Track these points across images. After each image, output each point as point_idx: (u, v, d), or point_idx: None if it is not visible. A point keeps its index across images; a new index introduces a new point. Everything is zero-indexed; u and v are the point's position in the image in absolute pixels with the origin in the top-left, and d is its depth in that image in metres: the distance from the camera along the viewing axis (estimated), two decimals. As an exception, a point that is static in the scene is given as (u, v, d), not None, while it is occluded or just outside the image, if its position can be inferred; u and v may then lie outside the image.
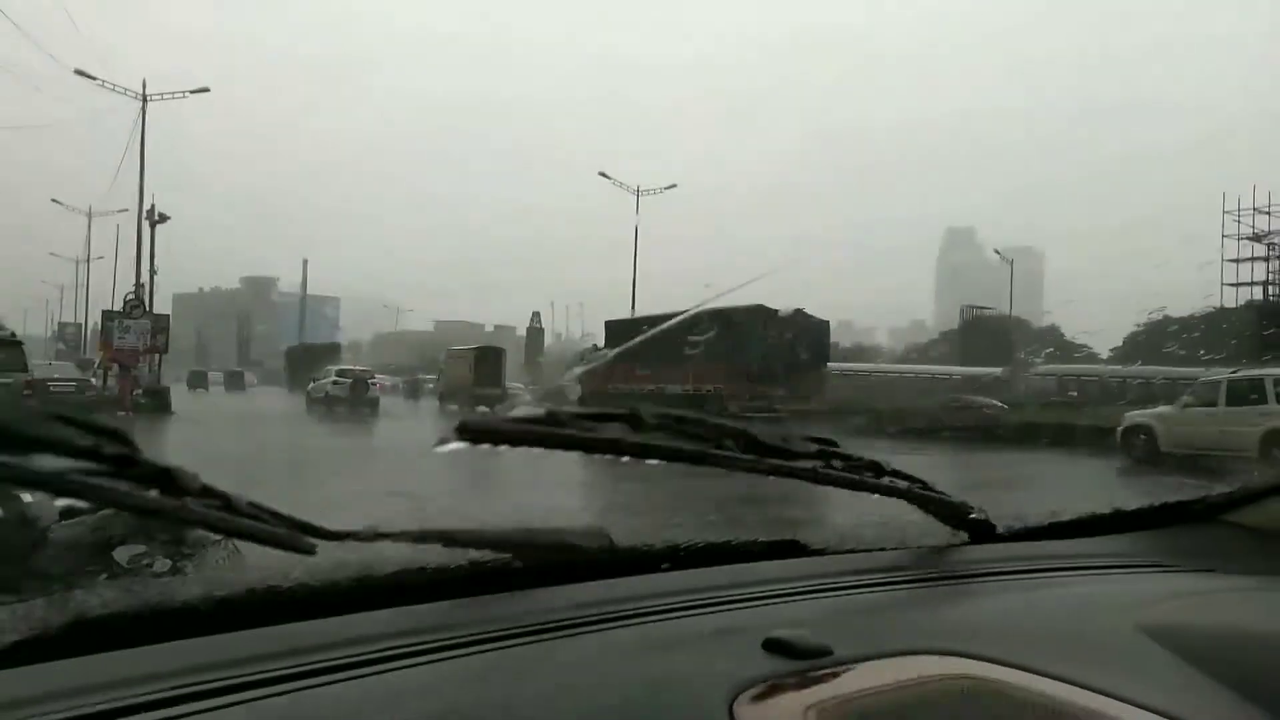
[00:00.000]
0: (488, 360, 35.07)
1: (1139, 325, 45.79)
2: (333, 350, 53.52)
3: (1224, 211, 38.11)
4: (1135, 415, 18.45)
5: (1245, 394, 16.02)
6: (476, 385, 33.31)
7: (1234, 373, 17.47)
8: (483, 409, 29.14)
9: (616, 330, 27.98)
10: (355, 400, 32.21)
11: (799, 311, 24.05)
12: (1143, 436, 17.32)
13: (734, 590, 1.07)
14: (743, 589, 1.08)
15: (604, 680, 0.85)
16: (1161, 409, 18.14)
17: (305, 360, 45.39)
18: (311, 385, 36.32)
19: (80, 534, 4.11)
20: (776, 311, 23.25)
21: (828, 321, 27.04)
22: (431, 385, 41.65)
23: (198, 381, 48.93)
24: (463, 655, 0.86)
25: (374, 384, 34.61)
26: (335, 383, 34.24)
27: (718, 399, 21.89)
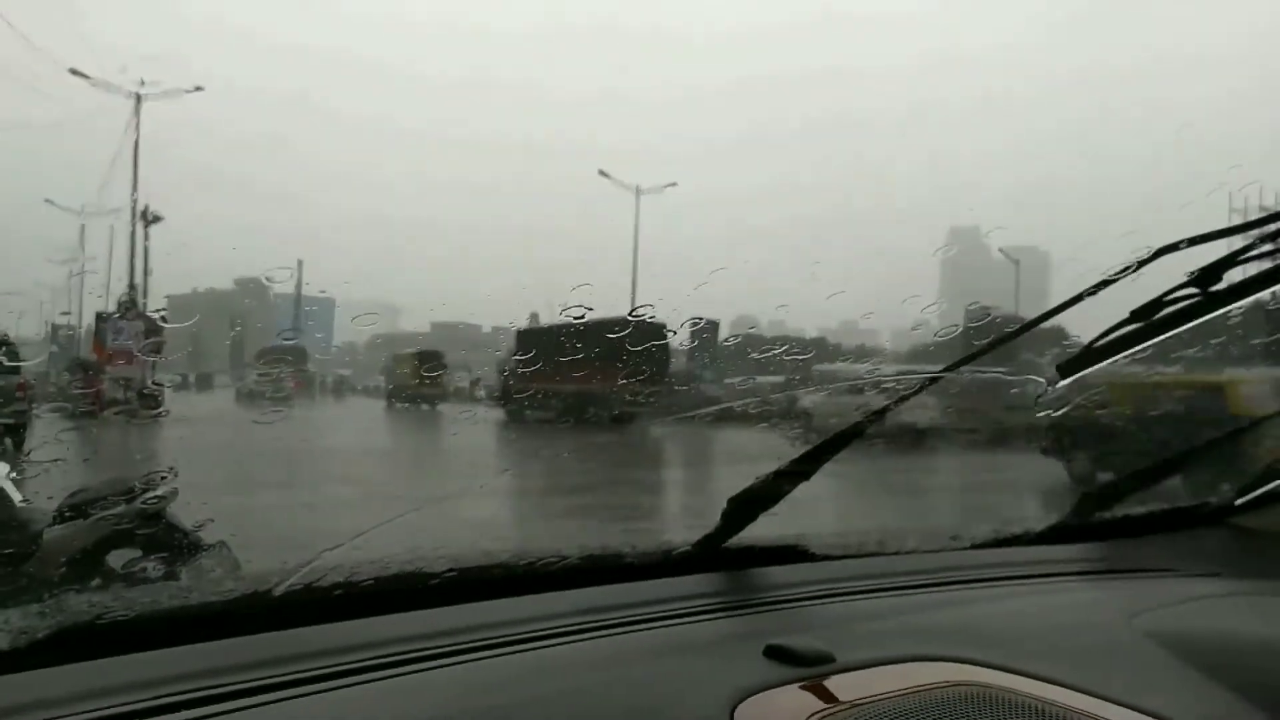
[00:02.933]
0: (428, 362, 40.66)
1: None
2: (299, 352, 60.01)
3: (1230, 210, 38.20)
4: (802, 400, 26.42)
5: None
6: (415, 385, 38.89)
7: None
8: (425, 407, 34.46)
9: (525, 338, 32.83)
10: (272, 394, 39.22)
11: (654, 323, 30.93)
12: (805, 413, 23.89)
13: (736, 596, 1.06)
14: (745, 595, 1.07)
15: (607, 685, 0.84)
16: (815, 395, 25.29)
17: (278, 359, 52.72)
18: (238, 383, 43.95)
19: (73, 538, 4.07)
20: (647, 322, 28.57)
21: (664, 324, 33.54)
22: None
23: (205, 384, 52.91)
24: (470, 660, 0.85)
25: (290, 382, 41.80)
26: (256, 381, 41.18)
27: (602, 397, 26.12)
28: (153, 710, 0.72)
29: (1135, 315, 0.93)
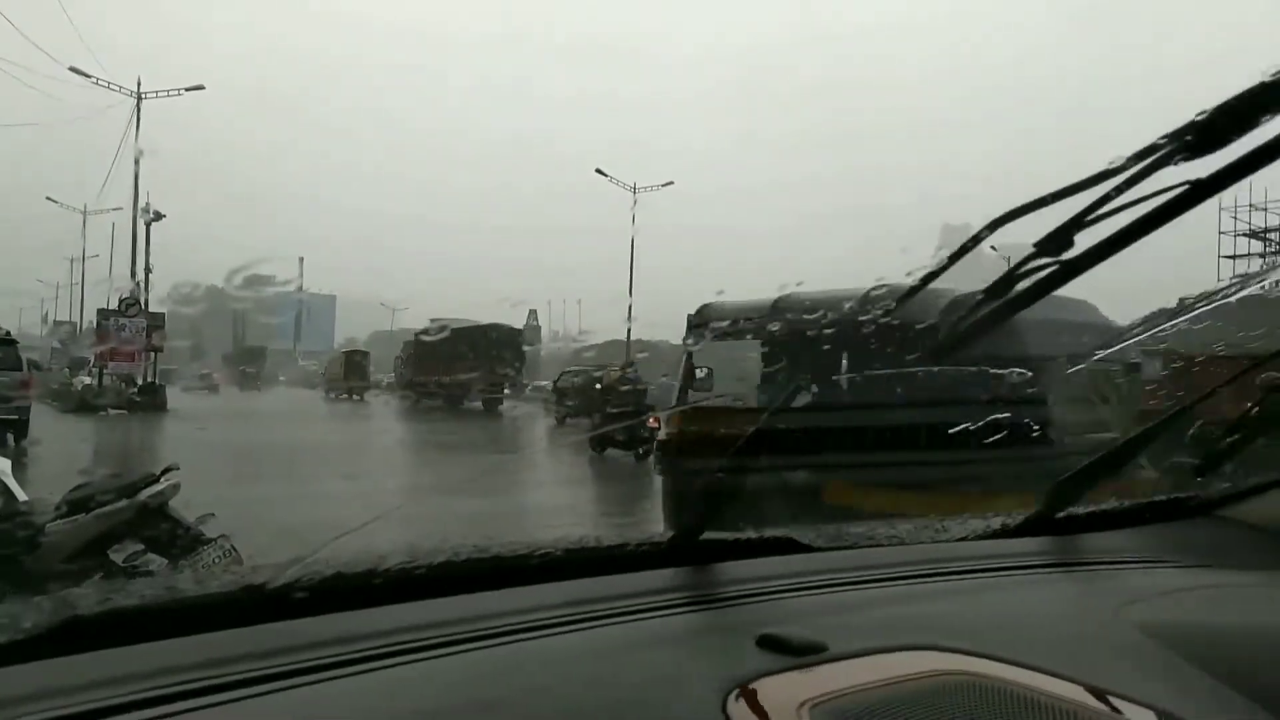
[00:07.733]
0: (354, 361, 49.32)
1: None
2: (259, 352, 69.44)
3: (1220, 208, 38.09)
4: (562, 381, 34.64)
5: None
6: (345, 379, 46.80)
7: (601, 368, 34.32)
8: (355, 398, 44.78)
9: (421, 338, 40.93)
10: (204, 387, 50.11)
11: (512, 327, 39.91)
12: (562, 392, 31.45)
13: (728, 587, 1.07)
14: (737, 586, 1.08)
15: (598, 676, 0.85)
16: (573, 379, 33.67)
17: (240, 359, 63.53)
18: (181, 380, 58.38)
19: (76, 532, 4.10)
20: (506, 326, 37.42)
21: (521, 330, 42.64)
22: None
23: (166, 379, 56.16)
24: (458, 651, 0.86)
25: (216, 378, 54.43)
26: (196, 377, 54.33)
27: (469, 385, 33.81)
28: (152, 700, 0.73)
29: (991, 292, 0.89)
